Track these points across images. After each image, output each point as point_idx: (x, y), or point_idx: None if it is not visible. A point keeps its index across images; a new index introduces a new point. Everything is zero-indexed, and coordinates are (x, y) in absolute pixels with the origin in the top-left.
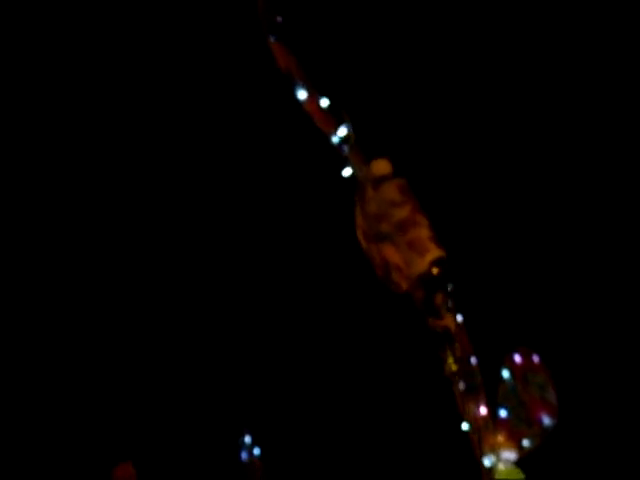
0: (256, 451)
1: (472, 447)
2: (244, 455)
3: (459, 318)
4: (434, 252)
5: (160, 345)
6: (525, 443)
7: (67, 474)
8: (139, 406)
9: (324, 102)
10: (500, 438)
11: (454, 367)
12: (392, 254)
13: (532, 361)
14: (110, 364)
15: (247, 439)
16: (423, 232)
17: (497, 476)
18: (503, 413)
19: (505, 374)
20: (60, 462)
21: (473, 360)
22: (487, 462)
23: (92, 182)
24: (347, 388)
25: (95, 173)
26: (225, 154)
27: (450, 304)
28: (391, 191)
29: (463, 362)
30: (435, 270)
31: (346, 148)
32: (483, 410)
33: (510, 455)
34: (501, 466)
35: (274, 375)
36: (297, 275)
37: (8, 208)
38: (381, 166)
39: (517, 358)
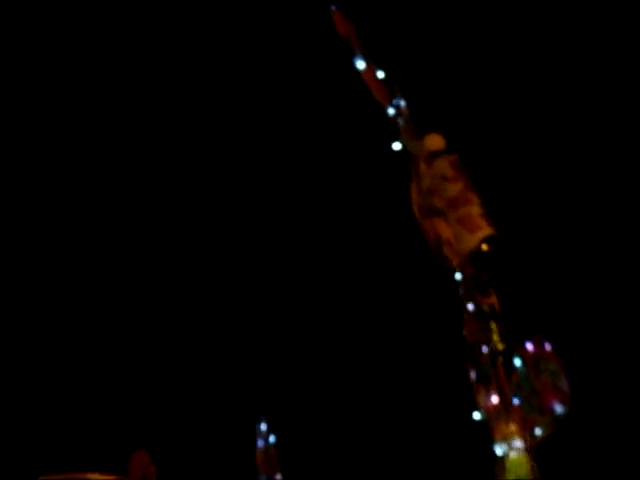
0: (272, 439)
1: (484, 436)
2: (260, 442)
3: (470, 307)
4: (485, 230)
5: (178, 335)
6: (537, 431)
7: (86, 460)
8: (156, 395)
9: (381, 74)
10: (512, 427)
11: (500, 346)
12: (444, 229)
13: (544, 349)
14: (129, 354)
15: (263, 426)
16: (474, 209)
17: (509, 464)
18: (516, 401)
19: (517, 362)
20: (79, 449)
21: (484, 349)
22: (499, 450)
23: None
24: (362, 377)
25: (100, 173)
26: (276, 122)
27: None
28: (444, 166)
29: (474, 351)
30: (485, 247)
31: (401, 121)
32: (495, 399)
33: (522, 444)
34: (513, 454)
35: (290, 363)
36: (318, 262)
37: (8, 208)
38: (434, 141)
39: (529, 346)
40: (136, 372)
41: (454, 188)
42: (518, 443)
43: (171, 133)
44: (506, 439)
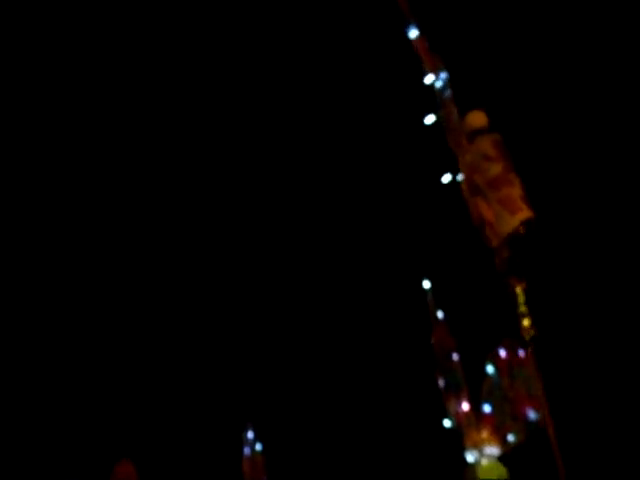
0: (258, 446)
1: (455, 443)
2: (246, 450)
3: (440, 314)
4: (525, 212)
5: (162, 342)
6: (510, 438)
7: (69, 471)
8: (140, 402)
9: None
10: (484, 434)
11: (532, 332)
12: (485, 209)
13: (517, 355)
14: (111, 361)
15: (250, 434)
16: (515, 191)
17: (480, 472)
18: (487, 408)
19: (490, 369)
20: (62, 459)
21: (455, 356)
22: (470, 458)
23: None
24: (343, 386)
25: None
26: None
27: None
28: (486, 145)
29: (444, 359)
30: (523, 230)
31: (445, 93)
32: (465, 406)
33: (494, 450)
34: (484, 461)
35: (276, 371)
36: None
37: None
38: (477, 118)
39: (502, 353)
40: (120, 380)
41: (495, 168)
42: (489, 450)
43: (172, 129)
44: (477, 446)
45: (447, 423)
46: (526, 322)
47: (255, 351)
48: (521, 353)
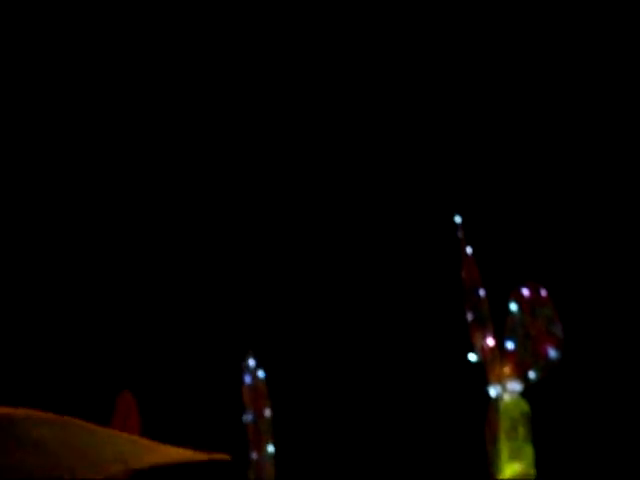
0: (261, 374)
1: (479, 377)
2: (247, 378)
3: (469, 250)
4: None
5: (160, 267)
6: (531, 375)
7: (68, 403)
8: (140, 331)
9: None
10: (506, 369)
11: None
12: None
13: (540, 294)
14: (110, 291)
15: (251, 362)
16: None
17: (502, 406)
18: (510, 345)
19: (513, 307)
20: (61, 391)
21: (481, 292)
22: (493, 392)
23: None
24: (353, 312)
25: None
26: None
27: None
28: None
29: (471, 293)
30: None
31: None
32: (490, 341)
33: (516, 386)
34: (506, 397)
35: (279, 296)
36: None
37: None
38: None
39: (525, 291)
40: (119, 311)
41: None
42: (512, 385)
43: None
44: (500, 381)
45: (472, 357)
46: None
47: (257, 273)
48: (543, 292)
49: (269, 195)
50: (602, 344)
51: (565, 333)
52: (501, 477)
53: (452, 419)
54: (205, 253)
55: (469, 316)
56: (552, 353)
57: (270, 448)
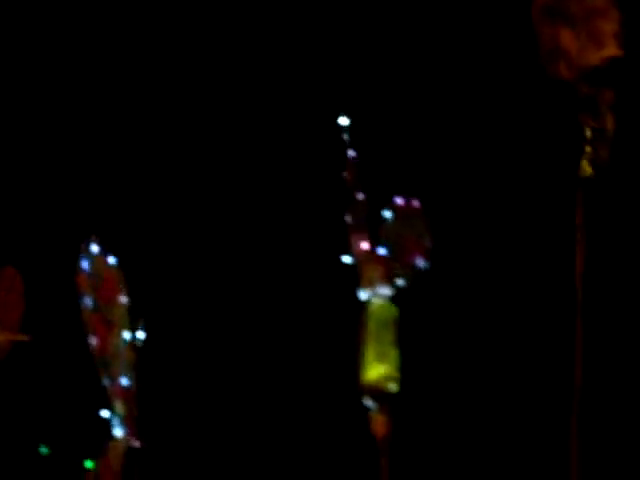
0: (111, 260)
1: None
2: (85, 263)
3: (351, 153)
4: (613, 49)
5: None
6: (399, 281)
7: None
8: None
9: None
10: (377, 273)
11: (589, 170)
12: (568, 40)
13: (413, 206)
14: None
15: (94, 248)
16: (610, 26)
17: (371, 310)
18: (382, 251)
19: (387, 214)
20: None
21: (360, 196)
22: (363, 295)
23: None
24: (225, 207)
25: None
26: None
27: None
28: None
29: (351, 197)
30: (604, 64)
31: None
32: (365, 245)
33: (385, 290)
34: (376, 300)
35: (126, 171)
36: None
37: None
38: None
39: (399, 200)
40: None
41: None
42: (381, 290)
43: None
44: (371, 284)
45: (347, 259)
46: (585, 163)
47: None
48: (416, 204)
49: None
50: (469, 255)
51: (434, 244)
52: (366, 378)
53: (325, 321)
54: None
55: (348, 219)
56: (420, 262)
57: (126, 334)
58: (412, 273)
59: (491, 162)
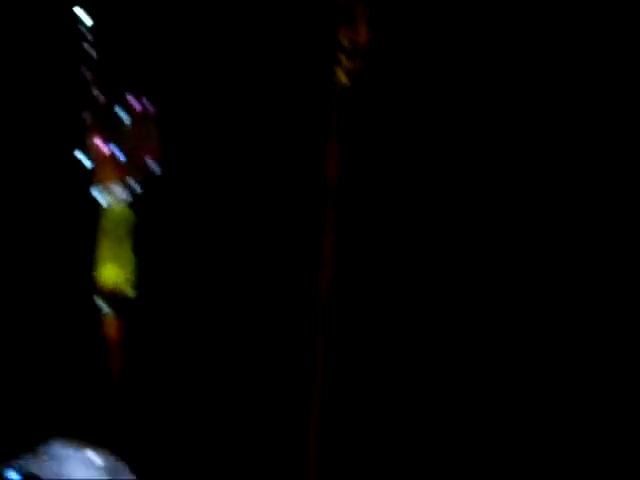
0: None
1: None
2: None
3: (93, 52)
4: None
5: None
6: (131, 182)
7: None
8: None
9: None
10: (111, 173)
11: (344, 79)
12: None
13: (149, 109)
14: None
15: None
16: None
17: (106, 210)
18: (116, 151)
19: (123, 115)
20: None
21: (97, 93)
22: (99, 196)
23: None
24: None
25: None
26: None
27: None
28: None
29: (91, 97)
30: None
31: None
32: (101, 145)
33: (119, 191)
34: (110, 201)
35: None
36: None
37: None
38: None
39: (135, 103)
40: None
41: None
42: (115, 190)
43: None
44: (105, 184)
45: (82, 157)
46: (340, 74)
47: None
48: (151, 108)
49: None
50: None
51: (166, 150)
52: (101, 280)
53: (60, 220)
54: None
55: (86, 117)
56: (152, 166)
57: None
58: (145, 177)
59: (243, 69)
